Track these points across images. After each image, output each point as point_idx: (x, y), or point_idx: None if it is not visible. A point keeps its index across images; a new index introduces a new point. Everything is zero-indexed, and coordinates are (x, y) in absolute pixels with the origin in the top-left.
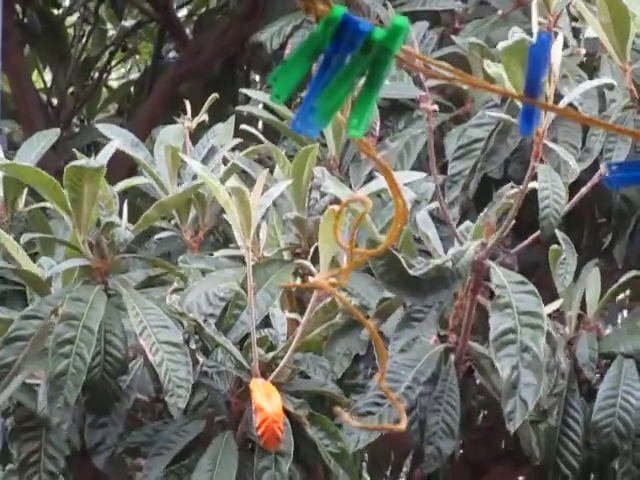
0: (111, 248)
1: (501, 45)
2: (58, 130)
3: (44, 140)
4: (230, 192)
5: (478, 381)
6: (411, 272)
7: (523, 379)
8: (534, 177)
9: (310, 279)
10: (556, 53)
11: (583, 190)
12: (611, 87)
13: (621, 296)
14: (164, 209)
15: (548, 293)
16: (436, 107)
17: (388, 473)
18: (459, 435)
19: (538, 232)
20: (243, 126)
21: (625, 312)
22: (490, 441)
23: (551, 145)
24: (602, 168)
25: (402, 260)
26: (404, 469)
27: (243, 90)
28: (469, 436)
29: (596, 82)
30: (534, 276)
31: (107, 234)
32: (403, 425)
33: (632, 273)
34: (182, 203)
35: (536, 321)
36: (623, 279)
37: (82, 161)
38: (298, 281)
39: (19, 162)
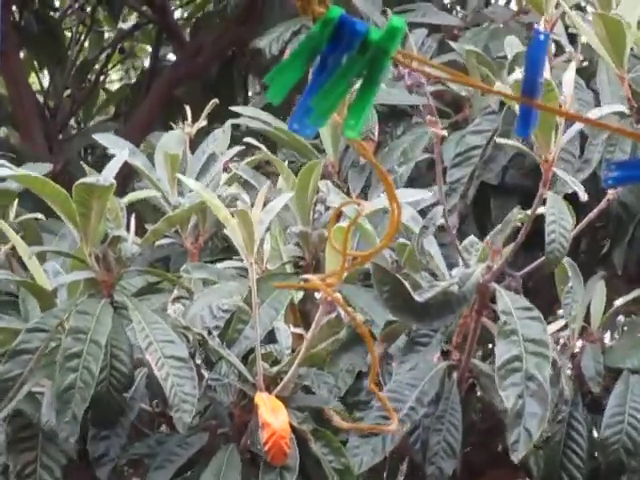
0: (118, 261)
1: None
2: (50, 165)
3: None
4: (232, 213)
5: (479, 393)
6: (417, 298)
7: (528, 408)
8: (543, 203)
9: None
10: (568, 81)
11: (591, 215)
12: (623, 115)
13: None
14: (172, 223)
15: (546, 299)
16: (445, 133)
17: (385, 476)
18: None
19: (543, 258)
20: (247, 139)
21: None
22: (487, 444)
23: (560, 173)
24: (609, 194)
25: (407, 286)
26: (400, 471)
27: (233, 108)
28: (467, 440)
29: (605, 110)
30: (531, 281)
31: (114, 248)
32: (394, 427)
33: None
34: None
35: (541, 349)
36: (631, 296)
37: (92, 179)
38: (301, 294)
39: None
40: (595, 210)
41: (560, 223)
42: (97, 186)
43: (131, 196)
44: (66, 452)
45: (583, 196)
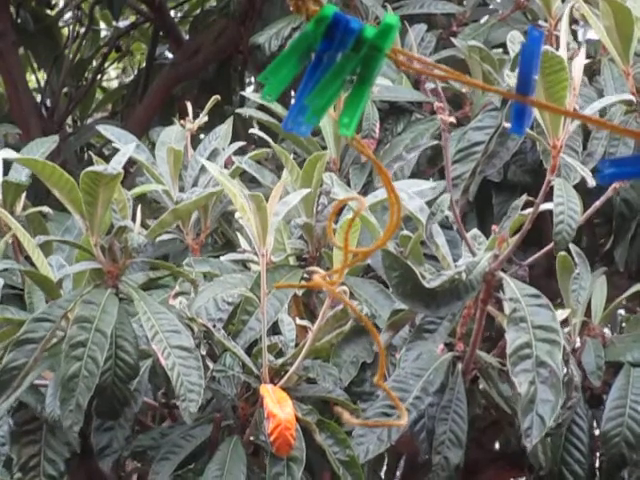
0: (123, 252)
1: None
2: (57, 137)
3: (42, 147)
4: (248, 199)
5: (481, 386)
6: (426, 284)
7: (540, 395)
8: (550, 190)
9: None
10: (578, 65)
11: (597, 204)
12: (630, 103)
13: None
14: (178, 216)
15: (546, 295)
16: (453, 119)
17: (382, 475)
18: None
19: (545, 249)
20: (252, 130)
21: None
22: (483, 442)
23: (568, 160)
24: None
25: (417, 272)
26: (398, 471)
27: (242, 93)
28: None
29: (607, 100)
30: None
31: (120, 238)
32: (404, 421)
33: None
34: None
35: (552, 336)
36: (633, 290)
37: (100, 167)
38: None
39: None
40: (602, 198)
41: (568, 205)
42: (104, 175)
43: (138, 190)
44: (70, 445)
45: (591, 181)
